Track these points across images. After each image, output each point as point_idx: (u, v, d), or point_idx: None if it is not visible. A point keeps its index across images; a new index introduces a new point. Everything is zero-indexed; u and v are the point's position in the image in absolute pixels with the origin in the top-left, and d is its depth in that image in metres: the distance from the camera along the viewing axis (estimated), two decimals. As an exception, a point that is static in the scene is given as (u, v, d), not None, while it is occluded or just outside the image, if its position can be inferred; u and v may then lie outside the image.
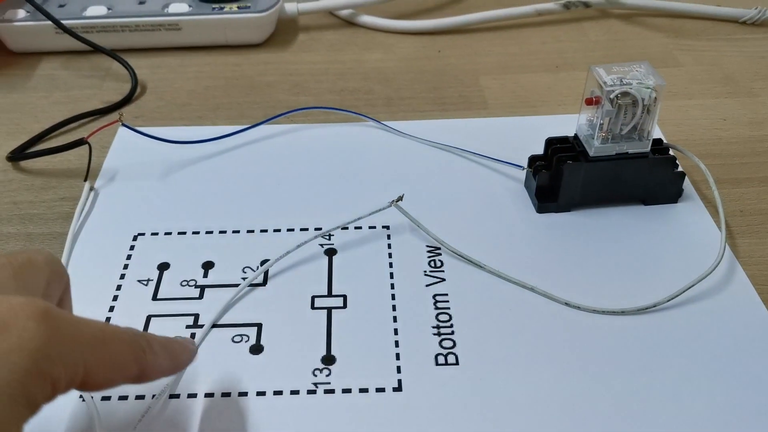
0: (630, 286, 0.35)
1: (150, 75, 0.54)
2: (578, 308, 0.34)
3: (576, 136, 0.39)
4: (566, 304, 0.34)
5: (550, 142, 0.40)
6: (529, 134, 0.43)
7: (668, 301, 0.34)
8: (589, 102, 0.37)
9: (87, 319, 0.22)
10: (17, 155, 0.44)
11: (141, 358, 0.24)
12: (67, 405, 0.30)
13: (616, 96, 0.36)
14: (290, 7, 0.58)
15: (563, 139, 0.40)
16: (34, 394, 0.19)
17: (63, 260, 0.37)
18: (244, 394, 0.31)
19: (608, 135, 0.38)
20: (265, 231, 0.39)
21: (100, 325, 0.22)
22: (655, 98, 0.36)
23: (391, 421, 0.30)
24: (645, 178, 0.39)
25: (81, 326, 0.22)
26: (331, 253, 0.38)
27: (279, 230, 0.39)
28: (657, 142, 0.39)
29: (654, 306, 0.34)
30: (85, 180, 0.42)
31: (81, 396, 0.31)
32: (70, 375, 0.21)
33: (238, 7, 0.55)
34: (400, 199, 0.38)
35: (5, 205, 0.41)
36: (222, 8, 0.55)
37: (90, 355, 0.21)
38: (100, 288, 0.36)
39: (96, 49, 0.53)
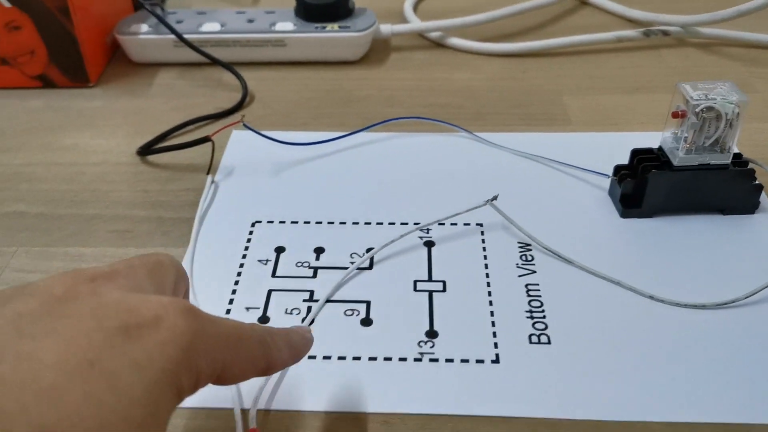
0: (709, 284, 0.38)
1: (257, 86, 0.59)
2: (662, 301, 0.37)
3: (660, 148, 0.42)
4: (651, 297, 0.37)
5: (636, 152, 0.43)
6: (612, 148, 0.46)
7: (746, 297, 0.37)
8: (675, 115, 0.40)
9: (223, 318, 0.24)
10: (146, 150, 0.49)
11: (268, 353, 0.25)
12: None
13: (702, 110, 0.39)
14: (385, 29, 0.62)
15: (648, 150, 0.43)
16: (183, 384, 0.21)
17: (191, 241, 0.42)
18: (358, 358, 0.35)
19: (692, 146, 0.41)
20: (369, 223, 0.43)
21: (234, 323, 0.24)
22: (738, 113, 0.39)
23: (490, 389, 0.33)
24: (724, 188, 0.42)
25: (220, 325, 0.23)
26: (429, 245, 0.41)
27: (381, 223, 0.43)
28: (737, 156, 0.42)
29: (733, 302, 0.37)
30: (208, 173, 0.47)
31: (215, 352, 0.35)
32: (211, 369, 0.22)
33: (338, 27, 0.60)
34: (495, 198, 0.42)
35: (138, 192, 0.46)
36: (324, 27, 0.60)
37: (228, 351, 0.23)
38: (225, 265, 0.40)
39: (212, 61, 0.58)
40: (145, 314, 0.21)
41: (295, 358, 0.28)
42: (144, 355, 0.20)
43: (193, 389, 0.22)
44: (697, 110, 0.39)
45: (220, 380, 0.23)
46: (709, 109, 0.39)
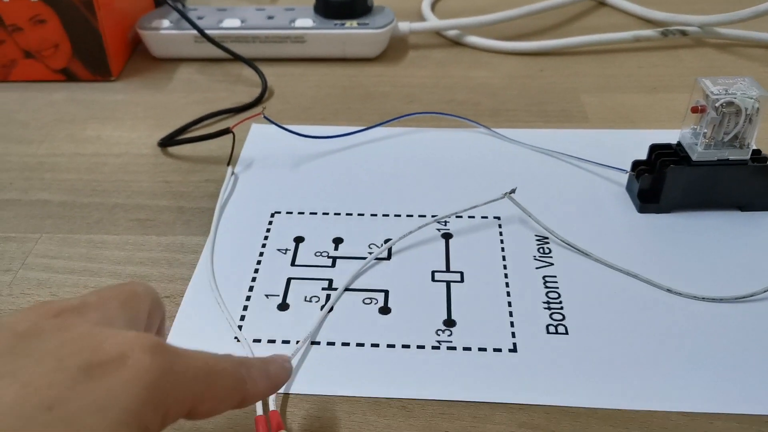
0: (727, 278, 0.38)
1: (276, 82, 0.59)
2: (679, 294, 0.37)
3: (679, 144, 0.43)
4: (668, 290, 0.37)
5: (654, 148, 0.43)
6: (630, 144, 0.46)
7: (765, 291, 0.37)
8: (694, 110, 0.40)
9: (193, 351, 0.23)
10: (167, 142, 0.50)
11: (242, 386, 0.24)
12: (225, 346, 0.35)
13: (722, 104, 0.39)
14: (403, 26, 0.63)
15: (666, 146, 0.43)
16: (148, 423, 0.20)
17: (211, 230, 0.42)
18: (376, 345, 0.35)
19: (711, 142, 0.41)
20: (387, 216, 0.43)
21: (205, 357, 0.23)
22: (758, 108, 0.39)
23: (507, 377, 0.33)
24: (743, 184, 0.42)
25: (189, 360, 0.22)
26: (447, 236, 0.42)
27: (399, 215, 0.43)
28: (756, 152, 0.42)
29: (751, 296, 0.37)
30: (228, 164, 0.48)
31: (236, 337, 0.35)
32: (180, 406, 0.21)
33: (357, 24, 0.60)
34: (513, 191, 0.42)
35: (159, 183, 0.47)
36: (343, 24, 0.60)
37: (198, 387, 0.22)
38: (245, 254, 0.41)
39: (233, 57, 0.59)
40: (109, 351, 0.20)
41: (273, 389, 0.27)
42: (106, 395, 0.19)
43: (161, 428, 0.21)
44: (716, 105, 0.39)
45: (191, 416, 0.22)
46: (729, 104, 0.39)
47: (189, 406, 0.22)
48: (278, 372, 0.27)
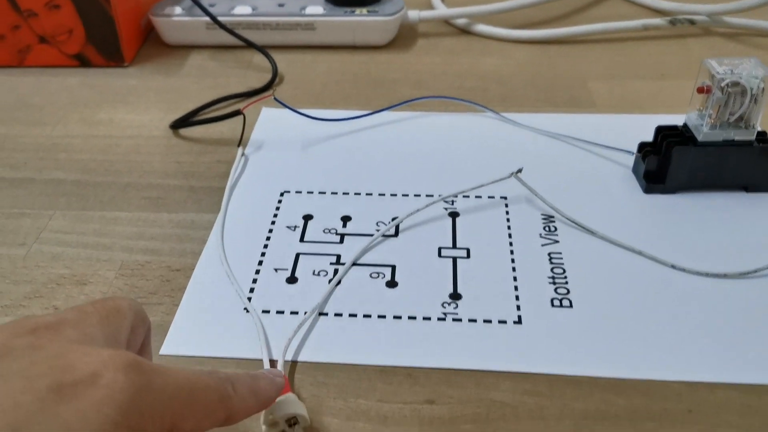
0: (732, 256, 0.38)
1: (286, 68, 0.60)
2: (683, 270, 0.38)
3: (685, 125, 0.43)
4: (672, 266, 0.38)
5: (660, 129, 0.43)
6: (637, 128, 0.46)
7: (769, 268, 0.37)
8: (700, 90, 0.41)
9: (173, 368, 0.22)
10: (178, 124, 0.51)
11: (228, 403, 0.23)
12: (234, 317, 0.36)
13: (727, 84, 0.40)
14: (412, 14, 0.63)
15: (672, 127, 0.43)
16: None
17: (222, 208, 0.43)
18: (383, 317, 0.36)
19: (716, 122, 0.41)
20: (395, 195, 0.44)
21: (186, 374, 0.22)
22: (763, 89, 0.40)
23: (512, 348, 0.34)
24: (748, 165, 0.42)
25: (168, 377, 0.21)
26: (454, 215, 0.42)
27: (407, 195, 0.44)
28: (761, 134, 0.42)
29: (755, 271, 0.37)
30: (239, 145, 0.48)
31: (245, 309, 0.36)
32: (157, 426, 0.20)
33: (367, 11, 0.61)
34: (520, 171, 0.43)
35: (171, 163, 0.48)
36: (353, 11, 0.61)
37: (177, 406, 0.21)
38: (254, 230, 0.41)
39: (244, 43, 0.59)
40: (81, 370, 0.19)
41: (262, 405, 0.27)
42: (77, 417, 0.18)
43: None
44: (722, 85, 0.40)
45: None
46: (735, 84, 0.40)
47: (168, 426, 0.21)
48: (267, 387, 0.27)
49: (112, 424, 0.19)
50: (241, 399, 0.24)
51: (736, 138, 0.41)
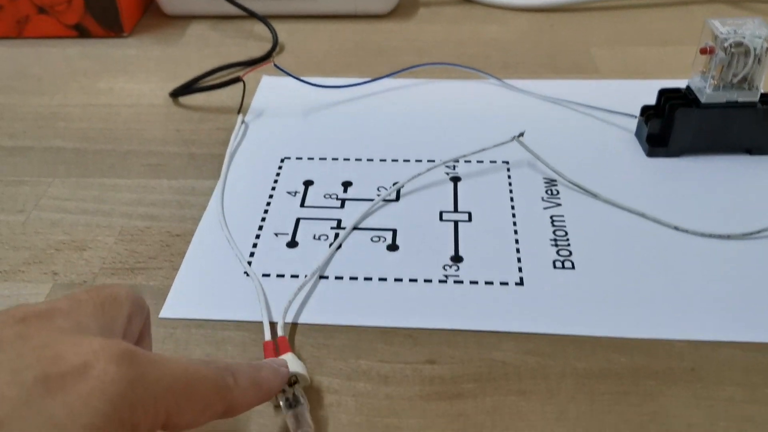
0: (735, 217, 0.38)
1: (287, 38, 0.59)
2: (686, 232, 0.37)
3: (688, 87, 0.42)
4: (675, 228, 0.38)
5: (663, 92, 0.43)
6: (640, 93, 0.46)
7: (773, 228, 0.37)
8: (703, 51, 0.40)
9: (170, 358, 0.21)
10: (179, 92, 0.50)
11: (227, 395, 0.23)
12: (234, 280, 0.35)
13: (730, 45, 0.39)
14: (414, -17, 0.63)
15: (675, 90, 0.43)
16: None
17: (222, 174, 0.43)
18: (383, 279, 0.35)
19: (719, 84, 0.41)
20: (396, 161, 0.44)
21: (183, 364, 0.21)
22: (767, 49, 0.39)
23: (514, 309, 0.34)
24: (751, 127, 0.42)
25: (163, 368, 0.20)
26: (455, 180, 0.42)
27: (408, 160, 0.44)
28: (765, 95, 0.42)
29: (759, 231, 0.37)
30: (239, 113, 0.48)
31: (245, 272, 0.36)
32: (151, 420, 0.19)
33: (368, -20, 0.60)
34: (521, 135, 0.42)
35: (170, 131, 0.47)
36: (354, -20, 0.60)
37: (173, 398, 0.20)
38: (255, 196, 0.41)
39: (244, 12, 0.59)
40: (71, 361, 0.18)
41: (264, 397, 0.25)
42: (64, 411, 0.17)
43: None
44: (725, 45, 0.39)
45: (169, 428, 0.21)
46: (738, 44, 0.39)
47: (163, 418, 0.20)
48: (270, 377, 0.26)
49: (102, 417, 0.18)
50: (241, 390, 0.23)
51: (740, 99, 0.41)
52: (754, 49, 0.39)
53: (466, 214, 0.39)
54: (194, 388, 0.21)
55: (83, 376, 0.18)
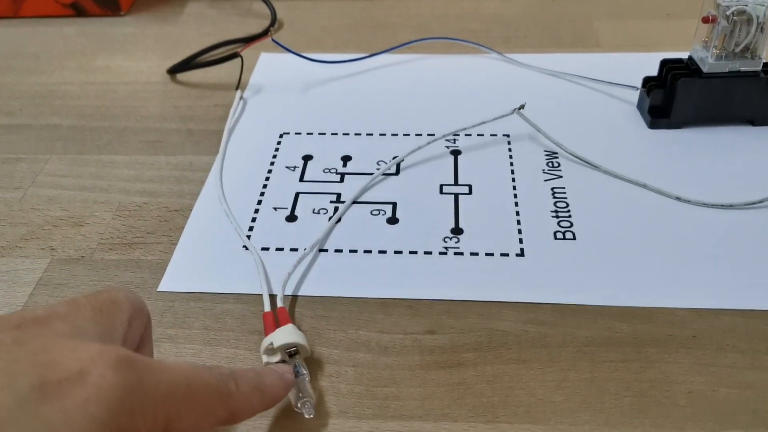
0: (737, 187, 0.38)
1: (286, 15, 0.59)
2: (688, 202, 0.37)
3: (690, 57, 0.42)
4: (677, 198, 0.37)
5: (665, 62, 0.42)
6: (642, 66, 0.45)
7: (776, 198, 0.36)
8: (705, 20, 0.40)
9: (170, 363, 0.21)
10: (176, 68, 0.50)
11: (229, 401, 0.22)
12: (233, 254, 0.35)
13: (732, 13, 0.39)
14: (413, -41, 0.62)
15: (678, 60, 0.42)
16: None
17: (220, 150, 0.42)
18: (383, 252, 0.35)
19: (722, 53, 0.40)
20: (396, 135, 0.43)
21: (183, 370, 0.21)
22: (770, 16, 0.39)
23: (514, 279, 0.33)
24: (754, 97, 0.41)
25: (162, 374, 0.20)
26: (456, 153, 0.42)
27: (408, 134, 0.43)
28: (767, 65, 0.41)
29: (760, 201, 0.36)
30: (237, 88, 0.48)
31: (245, 246, 0.35)
32: (150, 426, 0.19)
33: (367, -44, 0.59)
34: (522, 107, 0.42)
35: (168, 108, 0.47)
36: (352, -44, 0.60)
37: (173, 404, 0.20)
38: (254, 171, 0.41)
39: (241, -13, 0.58)
40: (67, 367, 0.18)
41: (268, 403, 0.25)
42: (60, 418, 0.17)
43: None
44: (727, 13, 0.39)
45: None
46: (740, 12, 0.39)
47: (163, 425, 0.19)
48: (274, 383, 0.25)
49: (98, 424, 0.17)
50: (244, 397, 0.23)
51: (742, 69, 0.40)
52: (757, 17, 0.39)
53: (467, 187, 0.39)
54: (194, 394, 0.21)
55: (80, 382, 0.18)
